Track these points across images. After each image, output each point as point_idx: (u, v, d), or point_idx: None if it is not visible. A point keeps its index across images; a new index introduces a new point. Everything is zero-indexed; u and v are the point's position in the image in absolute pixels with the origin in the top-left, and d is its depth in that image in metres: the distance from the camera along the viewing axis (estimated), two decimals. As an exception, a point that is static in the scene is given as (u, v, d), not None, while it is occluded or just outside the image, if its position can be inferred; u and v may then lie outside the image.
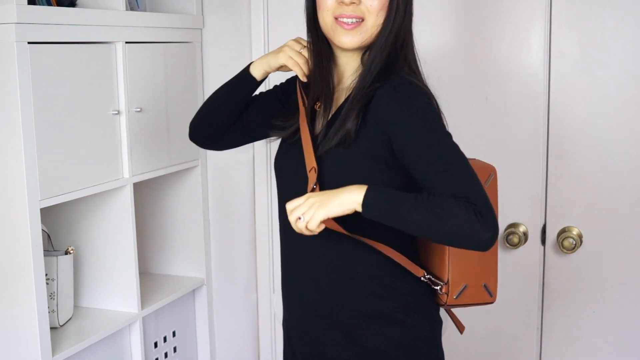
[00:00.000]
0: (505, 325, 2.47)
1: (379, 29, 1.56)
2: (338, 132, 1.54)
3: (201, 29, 2.63)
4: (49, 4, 2.09)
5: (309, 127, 1.62)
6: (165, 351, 2.62)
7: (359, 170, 1.53)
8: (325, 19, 1.58)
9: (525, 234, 2.38)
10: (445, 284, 1.59)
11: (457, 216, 1.40)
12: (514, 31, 2.33)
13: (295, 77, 1.76)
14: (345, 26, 1.55)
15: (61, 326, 2.24)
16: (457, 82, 2.39)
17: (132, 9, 2.43)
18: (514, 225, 2.40)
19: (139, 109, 2.30)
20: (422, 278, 1.60)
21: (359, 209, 1.43)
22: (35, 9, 1.93)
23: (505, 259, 2.43)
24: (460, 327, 1.74)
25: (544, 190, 2.37)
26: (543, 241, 2.40)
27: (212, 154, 2.69)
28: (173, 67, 2.48)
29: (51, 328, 2.15)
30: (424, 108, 1.51)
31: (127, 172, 2.28)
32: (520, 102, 2.34)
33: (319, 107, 1.65)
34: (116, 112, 2.22)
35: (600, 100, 2.27)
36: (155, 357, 2.57)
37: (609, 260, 2.34)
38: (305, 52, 1.69)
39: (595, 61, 2.26)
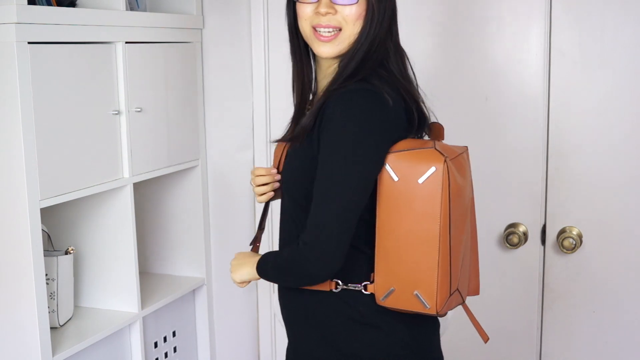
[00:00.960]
0: (505, 325, 2.47)
1: (356, 37, 1.57)
2: (296, 129, 1.58)
3: (201, 29, 2.63)
4: (49, 4, 2.09)
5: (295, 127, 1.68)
6: (165, 351, 2.62)
7: (304, 169, 1.55)
8: (305, 28, 1.60)
9: (525, 234, 2.39)
10: (371, 282, 1.56)
11: (286, 262, 1.56)
12: (514, 31, 2.33)
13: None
14: (322, 38, 1.57)
15: (61, 326, 2.24)
16: (457, 82, 2.39)
17: (132, 9, 2.43)
18: (514, 225, 2.40)
19: (139, 109, 2.30)
20: (333, 290, 1.58)
21: (257, 275, 1.67)
22: (35, 9, 1.93)
23: (505, 259, 2.43)
24: (484, 337, 1.66)
25: (544, 190, 2.37)
26: (543, 241, 2.40)
27: (212, 154, 2.70)
28: (173, 67, 2.48)
29: (51, 328, 2.15)
30: (348, 128, 1.46)
31: (127, 172, 2.28)
32: (520, 102, 2.34)
33: (308, 109, 1.68)
34: (116, 112, 2.22)
35: (600, 100, 2.28)
36: (155, 357, 2.57)
37: (609, 260, 2.34)
38: (264, 180, 1.74)
39: (595, 61, 2.26)
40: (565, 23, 2.28)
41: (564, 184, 2.34)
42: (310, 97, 1.71)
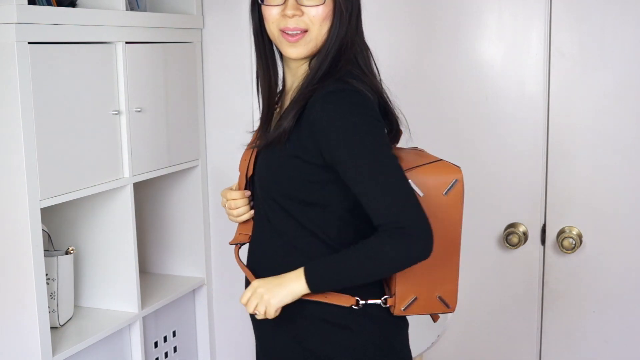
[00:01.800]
0: (505, 325, 2.47)
1: (324, 37, 1.57)
2: (275, 131, 1.56)
3: (201, 29, 2.63)
4: (49, 4, 2.09)
5: (266, 128, 1.66)
6: (165, 351, 2.62)
7: (285, 169, 1.55)
8: (272, 31, 1.60)
9: (525, 234, 2.39)
10: (392, 296, 1.57)
11: (386, 253, 1.47)
12: (514, 31, 2.33)
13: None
14: (290, 38, 1.56)
15: (61, 326, 2.24)
16: (457, 82, 2.39)
17: (132, 9, 2.43)
18: (514, 225, 2.40)
19: (139, 109, 2.30)
20: (353, 307, 1.56)
21: (309, 290, 1.53)
22: (35, 9, 1.93)
23: (505, 259, 2.43)
24: (434, 318, 1.69)
25: (544, 190, 2.37)
26: (543, 241, 2.40)
27: (212, 154, 2.70)
28: (173, 67, 2.48)
29: (51, 328, 2.15)
30: (353, 123, 1.47)
31: (127, 172, 2.28)
32: (520, 102, 2.34)
33: (277, 111, 1.69)
34: (116, 112, 2.22)
35: (600, 100, 2.28)
36: (155, 357, 2.57)
37: (609, 260, 2.34)
38: (238, 203, 1.72)
39: (595, 61, 2.26)
40: (565, 23, 2.28)
41: (564, 184, 2.34)
42: (277, 98, 1.71)
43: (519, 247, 2.39)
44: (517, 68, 2.34)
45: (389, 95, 1.64)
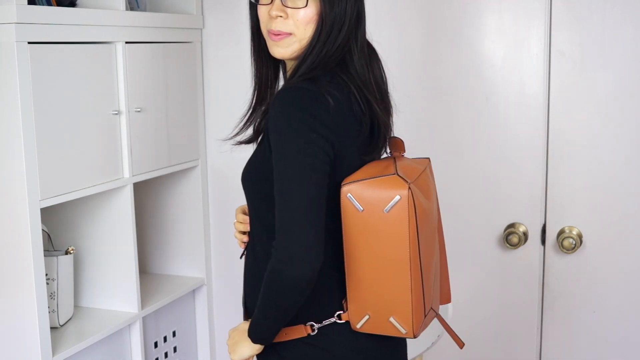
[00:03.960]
0: (505, 325, 2.47)
1: (308, 41, 1.55)
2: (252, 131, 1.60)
3: (201, 29, 2.63)
4: (49, 4, 2.09)
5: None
6: (165, 351, 2.62)
7: (258, 167, 1.57)
8: (263, 31, 1.61)
9: (525, 234, 2.39)
10: (345, 311, 1.54)
11: (269, 285, 1.46)
12: (514, 31, 2.33)
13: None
14: (274, 37, 1.57)
15: (61, 326, 2.24)
16: (458, 82, 2.39)
17: (132, 9, 2.43)
18: (514, 225, 2.40)
19: (139, 109, 2.30)
20: (310, 333, 1.55)
21: (257, 344, 1.58)
22: (35, 9, 1.93)
23: (505, 259, 2.43)
24: (459, 343, 1.64)
25: (544, 190, 2.37)
26: (543, 241, 2.40)
27: (212, 154, 2.70)
28: (173, 67, 2.48)
29: (51, 328, 2.15)
30: (288, 124, 1.44)
31: (127, 172, 2.28)
32: (520, 102, 2.34)
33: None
34: (116, 112, 2.22)
35: (600, 100, 2.27)
36: (155, 357, 2.57)
37: (609, 260, 2.34)
38: (241, 227, 1.74)
39: (595, 61, 2.26)
40: (565, 23, 2.27)
41: (564, 184, 2.34)
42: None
43: (519, 247, 2.39)
44: (517, 68, 2.34)
45: (390, 103, 1.61)
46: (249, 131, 1.70)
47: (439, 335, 2.21)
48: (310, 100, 1.45)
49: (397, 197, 1.43)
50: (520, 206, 2.39)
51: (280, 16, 1.54)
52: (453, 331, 1.63)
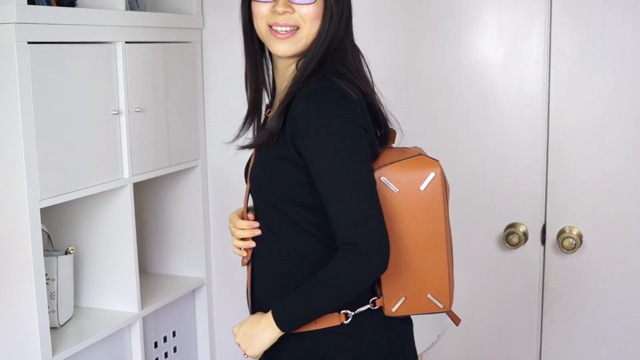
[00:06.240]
0: (505, 325, 2.47)
1: (314, 37, 1.55)
2: (264, 133, 1.56)
3: (201, 29, 2.63)
4: (49, 4, 2.09)
5: (257, 131, 1.67)
6: (165, 351, 2.62)
7: (277, 171, 1.53)
8: (260, 27, 1.59)
9: (525, 234, 2.39)
10: (379, 297, 1.55)
11: (342, 275, 1.46)
12: (514, 31, 2.33)
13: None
14: (279, 35, 1.55)
15: (61, 326, 2.24)
16: (458, 82, 2.39)
17: (132, 8, 2.43)
18: (514, 225, 2.40)
19: (139, 109, 2.30)
20: (344, 323, 1.54)
21: (282, 332, 1.54)
22: (35, 9, 1.93)
23: (505, 259, 2.43)
24: (456, 320, 1.66)
25: (544, 190, 2.37)
26: (543, 241, 2.40)
27: (212, 154, 2.70)
28: (173, 67, 2.48)
29: (51, 328, 2.15)
30: (332, 125, 1.45)
31: (127, 172, 2.28)
32: (520, 102, 2.34)
33: (269, 113, 1.68)
34: (116, 112, 2.22)
35: (599, 100, 2.28)
36: (155, 357, 2.57)
37: (609, 260, 2.34)
38: (244, 234, 1.66)
39: (595, 61, 2.26)
40: (565, 23, 2.28)
41: (564, 184, 2.34)
42: (269, 100, 1.70)
43: (519, 247, 2.39)
44: (517, 68, 2.34)
45: (379, 97, 1.62)
46: (250, 133, 1.70)
47: (438, 335, 2.21)
48: (341, 98, 1.48)
49: (432, 174, 1.50)
50: (520, 206, 2.39)
51: (287, 11, 1.53)
52: (451, 311, 1.64)
